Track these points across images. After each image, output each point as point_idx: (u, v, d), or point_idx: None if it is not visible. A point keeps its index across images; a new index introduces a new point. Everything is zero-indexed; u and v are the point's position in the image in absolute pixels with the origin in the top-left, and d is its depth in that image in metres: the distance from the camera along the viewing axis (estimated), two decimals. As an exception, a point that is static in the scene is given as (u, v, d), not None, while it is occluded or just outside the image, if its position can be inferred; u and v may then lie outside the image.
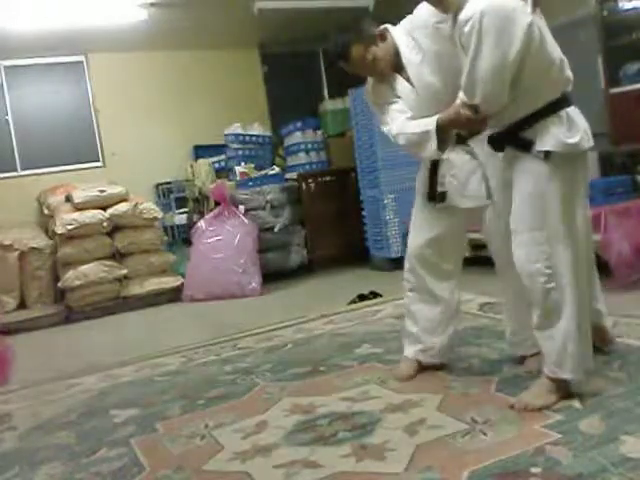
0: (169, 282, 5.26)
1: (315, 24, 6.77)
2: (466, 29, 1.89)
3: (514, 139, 2.05)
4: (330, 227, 5.59)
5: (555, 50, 2.02)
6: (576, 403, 2.03)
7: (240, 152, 6.12)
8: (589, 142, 2.03)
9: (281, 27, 6.84)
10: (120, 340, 4.15)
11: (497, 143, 2.13)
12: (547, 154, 1.97)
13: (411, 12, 2.32)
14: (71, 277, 4.95)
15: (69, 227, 4.99)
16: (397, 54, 2.30)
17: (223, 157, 6.44)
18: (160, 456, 2.11)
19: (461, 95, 2.05)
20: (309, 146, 5.81)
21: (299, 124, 5.86)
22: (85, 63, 7.06)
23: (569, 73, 2.05)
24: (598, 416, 1.91)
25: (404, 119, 2.28)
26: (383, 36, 2.32)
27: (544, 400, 2.05)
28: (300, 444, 2.03)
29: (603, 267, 3.63)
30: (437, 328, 2.46)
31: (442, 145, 2.20)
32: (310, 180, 5.64)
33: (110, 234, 5.20)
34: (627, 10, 4.86)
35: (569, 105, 2.03)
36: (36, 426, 2.58)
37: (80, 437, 2.39)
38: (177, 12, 5.94)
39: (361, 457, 1.88)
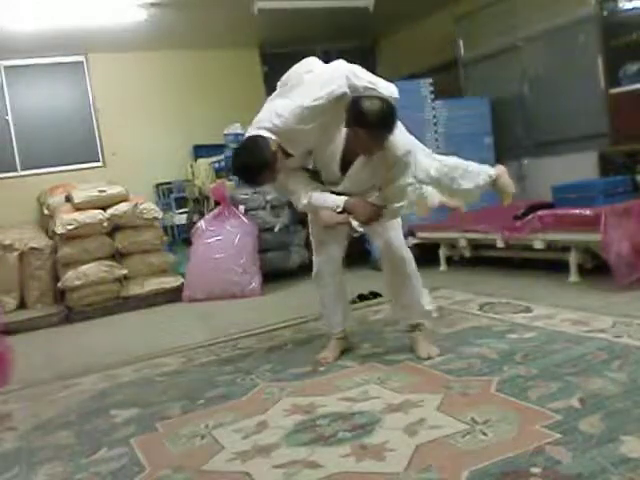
0: (169, 282, 5.26)
1: (315, 24, 6.79)
2: (402, 159, 2.66)
3: None
4: (330, 227, 5.57)
5: None
6: (576, 403, 2.04)
7: (240, 152, 6.11)
8: None
9: (281, 27, 6.85)
10: (120, 340, 4.15)
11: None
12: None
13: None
14: (71, 277, 4.96)
15: (69, 227, 4.98)
16: (285, 153, 2.72)
17: (223, 157, 6.44)
18: (160, 456, 2.11)
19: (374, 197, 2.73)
20: (309, 146, 5.79)
21: (299, 124, 5.84)
22: (85, 63, 7.07)
23: None
24: (598, 416, 1.91)
25: (306, 191, 2.78)
26: (279, 150, 2.65)
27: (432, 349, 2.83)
28: (300, 444, 2.03)
29: (603, 267, 3.64)
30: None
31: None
32: (310, 180, 5.63)
33: (110, 234, 5.19)
34: (627, 10, 4.85)
35: None
36: (36, 426, 2.58)
37: (80, 437, 2.39)
38: (177, 12, 5.95)
39: (361, 457, 1.88)
